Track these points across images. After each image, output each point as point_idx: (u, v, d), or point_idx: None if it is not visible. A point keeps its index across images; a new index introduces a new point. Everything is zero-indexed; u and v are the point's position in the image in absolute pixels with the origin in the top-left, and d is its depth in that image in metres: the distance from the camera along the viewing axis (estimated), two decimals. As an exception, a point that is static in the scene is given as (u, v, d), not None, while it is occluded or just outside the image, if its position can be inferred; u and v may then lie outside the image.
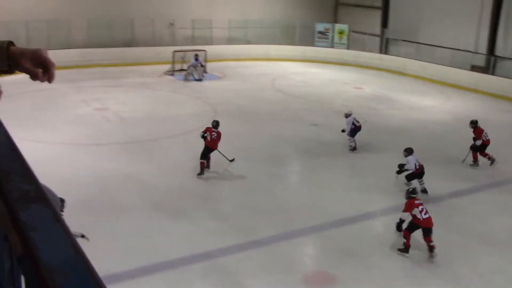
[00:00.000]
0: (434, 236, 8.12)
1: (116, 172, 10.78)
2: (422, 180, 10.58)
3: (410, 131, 15.42)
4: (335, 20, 31.25)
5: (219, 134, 11.29)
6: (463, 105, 19.33)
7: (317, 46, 28.51)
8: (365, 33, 28.27)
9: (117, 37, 24.04)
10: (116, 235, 8.34)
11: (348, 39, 28.38)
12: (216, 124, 11.43)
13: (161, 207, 9.44)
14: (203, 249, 8.04)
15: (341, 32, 28.47)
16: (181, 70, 22.59)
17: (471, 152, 12.22)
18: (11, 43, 1.45)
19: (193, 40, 26.10)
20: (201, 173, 10.87)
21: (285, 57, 27.63)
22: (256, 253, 8.07)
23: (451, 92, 20.98)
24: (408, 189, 8.75)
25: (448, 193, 10.74)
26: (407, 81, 23.54)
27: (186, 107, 16.99)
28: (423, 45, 25.69)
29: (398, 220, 8.59)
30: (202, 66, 21.45)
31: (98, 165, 11.05)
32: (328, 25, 28.99)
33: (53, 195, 1.37)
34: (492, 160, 12.12)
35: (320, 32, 28.86)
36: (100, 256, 7.55)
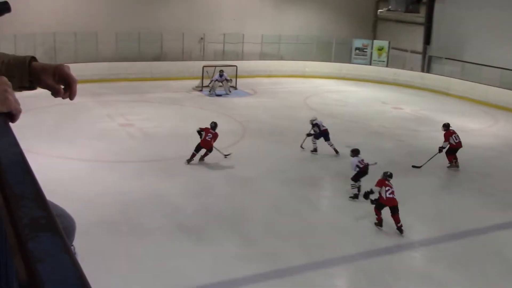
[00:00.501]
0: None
1: (140, 192, 10.89)
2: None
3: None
4: (374, 36, 31.18)
5: (215, 136, 12.84)
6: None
7: (355, 63, 28.44)
8: (406, 50, 28.07)
9: (145, 51, 24.55)
10: (138, 258, 8.38)
11: (388, 56, 28.22)
12: (214, 125, 13.01)
13: (185, 229, 9.47)
14: (227, 276, 7.99)
15: (380, 49, 28.36)
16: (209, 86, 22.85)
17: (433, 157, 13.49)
18: (33, 58, 1.47)
19: (223, 55, 26.41)
20: (189, 160, 12.65)
21: (320, 74, 27.64)
22: (282, 284, 7.97)
23: (499, 115, 20.54)
24: (386, 172, 10.30)
25: (498, 225, 10.43)
26: (451, 102, 23.18)
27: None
28: (469, 64, 25.31)
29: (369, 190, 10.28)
30: (227, 80, 21.60)
31: (121, 184, 11.19)
32: (366, 41, 28.93)
33: (68, 218, 1.38)
34: (456, 166, 13.66)
35: (357, 49, 28.81)
36: (121, 279, 7.60)
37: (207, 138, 12.67)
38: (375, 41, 29.15)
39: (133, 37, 23.88)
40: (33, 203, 0.68)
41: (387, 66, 28.05)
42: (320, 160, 13.81)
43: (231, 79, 22.16)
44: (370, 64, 28.34)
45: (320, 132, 14.13)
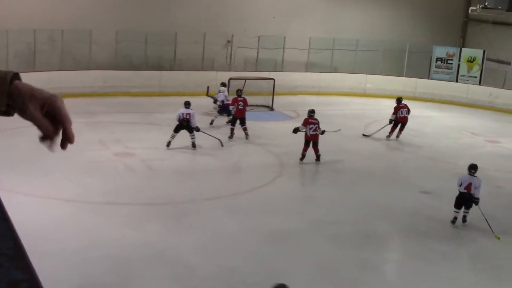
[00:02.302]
0: None
1: (139, 245, 10.92)
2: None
3: None
4: (463, 43, 31.09)
5: (245, 102, 18.54)
6: None
7: (435, 79, 28.33)
8: (507, 63, 27.82)
9: (152, 57, 24.99)
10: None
11: (482, 70, 28.00)
12: (240, 92, 18.61)
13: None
14: None
15: (471, 60, 28.20)
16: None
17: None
18: (16, 75, 1.45)
19: (257, 65, 26.67)
20: (230, 136, 18.27)
21: (387, 93, 27.51)
22: None
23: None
24: (310, 110, 16.84)
25: None
26: None
27: (241, 156, 17.19)
28: None
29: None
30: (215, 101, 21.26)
31: (114, 234, 11.26)
32: (452, 50, 28.83)
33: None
34: (393, 136, 19.61)
35: (440, 59, 28.73)
36: None
37: (239, 107, 18.18)
38: (464, 49, 29.04)
39: (138, 37, 24.38)
40: (12, 262, 0.68)
41: (480, 83, 27.81)
42: (384, 209, 13.66)
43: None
44: (457, 81, 28.16)
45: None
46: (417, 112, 24.99)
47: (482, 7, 28.01)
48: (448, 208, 13.95)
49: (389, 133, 19.80)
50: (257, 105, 23.30)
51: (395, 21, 29.91)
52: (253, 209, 13.13)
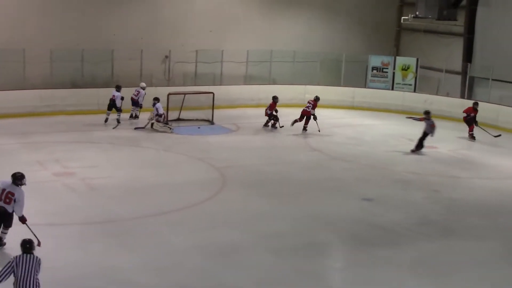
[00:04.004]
0: None
1: (83, 266, 10.76)
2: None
3: (505, 210, 15.25)
4: (396, 52, 31.79)
5: (272, 106, 23.26)
6: None
7: (371, 88, 28.87)
8: (440, 70, 28.57)
9: (89, 74, 24.73)
10: None
11: (416, 78, 28.69)
12: (277, 98, 23.06)
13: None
14: None
15: (405, 68, 28.87)
16: (179, 119, 23.03)
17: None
18: None
19: (195, 79, 26.69)
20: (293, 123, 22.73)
21: (326, 103, 27.87)
22: None
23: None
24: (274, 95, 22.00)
25: None
26: (501, 137, 23.47)
27: (184, 171, 17.12)
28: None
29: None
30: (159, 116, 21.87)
31: (56, 255, 11.07)
32: (387, 59, 29.44)
33: None
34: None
35: (375, 68, 29.30)
36: None
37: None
38: (398, 58, 29.68)
39: (73, 55, 24.09)
40: None
41: (414, 91, 28.49)
42: (327, 218, 13.82)
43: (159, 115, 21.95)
44: (392, 89, 28.77)
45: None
46: (356, 121, 25.51)
47: (414, 17, 28.78)
48: (389, 214, 14.26)
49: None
50: (197, 120, 23.34)
51: (331, 32, 30.41)
52: (197, 224, 13.11)
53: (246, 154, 19.33)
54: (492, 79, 26.68)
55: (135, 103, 23.16)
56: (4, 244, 11.30)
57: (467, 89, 27.94)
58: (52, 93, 23.53)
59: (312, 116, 22.74)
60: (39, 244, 9.66)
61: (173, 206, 14.07)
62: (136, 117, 23.29)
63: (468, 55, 28.69)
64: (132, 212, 13.60)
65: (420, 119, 20.69)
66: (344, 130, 23.54)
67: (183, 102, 23.45)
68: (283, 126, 22.81)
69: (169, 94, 23.00)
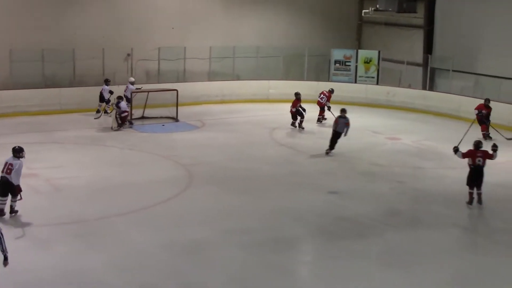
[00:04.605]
0: None
1: (49, 267, 10.63)
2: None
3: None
4: (358, 45, 31.99)
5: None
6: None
7: (335, 81, 28.95)
8: (401, 62, 28.84)
9: (50, 74, 24.39)
10: None
11: (378, 70, 28.92)
12: (299, 94, 22.82)
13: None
14: None
15: (367, 61, 29.07)
16: (143, 117, 22.86)
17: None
18: None
19: (159, 76, 26.54)
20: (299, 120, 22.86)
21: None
22: None
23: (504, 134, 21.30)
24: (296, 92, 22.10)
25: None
26: (463, 127, 23.70)
27: (150, 170, 17.00)
28: (484, 77, 26.17)
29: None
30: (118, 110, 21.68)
31: (21, 258, 10.90)
32: (349, 52, 29.61)
33: None
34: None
35: (338, 62, 29.45)
36: None
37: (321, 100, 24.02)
38: (360, 51, 29.88)
39: (34, 55, 23.72)
40: None
41: (377, 83, 28.72)
42: (295, 213, 13.85)
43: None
44: (355, 82, 28.97)
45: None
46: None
47: (374, 10, 29.01)
48: (356, 207, 14.34)
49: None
50: (161, 117, 23.20)
51: (293, 27, 30.46)
52: (164, 222, 13.02)
53: (212, 150, 19.27)
54: (453, 70, 27.03)
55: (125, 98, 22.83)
56: (16, 211, 12.98)
57: (429, 80, 28.23)
58: (13, 94, 23.18)
59: (326, 108, 23.89)
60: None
61: (140, 205, 13.96)
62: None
63: (428, 47, 29.00)
64: (98, 212, 13.47)
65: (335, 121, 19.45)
66: (309, 124, 23.57)
67: (146, 100, 23.31)
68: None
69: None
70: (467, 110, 25.25)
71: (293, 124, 22.96)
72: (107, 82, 23.71)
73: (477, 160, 14.42)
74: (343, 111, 19.46)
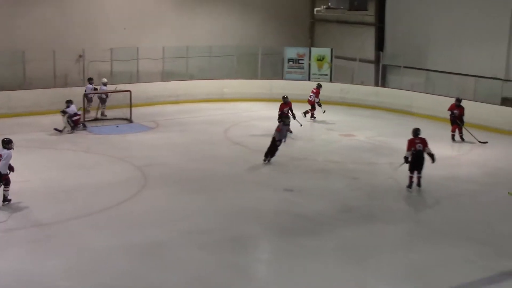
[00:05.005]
0: None
1: (4, 273, 10.48)
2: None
3: (425, 194, 15.78)
4: (311, 43, 32.24)
5: (316, 92, 24.35)
6: (494, 153, 19.91)
7: (288, 79, 29.18)
8: (354, 59, 29.18)
9: (0, 77, 23.97)
10: None
11: (331, 68, 29.21)
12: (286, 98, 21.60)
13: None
14: None
15: (320, 59, 29.34)
16: (96, 119, 22.68)
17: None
18: None
19: (112, 77, 26.31)
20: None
21: (244, 96, 28.12)
22: None
23: (477, 136, 21.68)
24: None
25: (484, 278, 10.90)
26: (415, 122, 24.08)
27: (104, 172, 16.87)
28: (435, 73, 26.66)
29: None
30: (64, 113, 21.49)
31: (-25, 266, 10.76)
32: (302, 50, 29.84)
33: None
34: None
35: (291, 60, 29.66)
36: None
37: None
38: (313, 49, 30.15)
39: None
40: None
41: (331, 81, 29.01)
42: (252, 211, 13.92)
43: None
44: (309, 80, 29.20)
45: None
46: (275, 113, 25.64)
47: (326, 8, 29.23)
48: (312, 204, 14.48)
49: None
50: (115, 119, 23.05)
51: (246, 26, 30.56)
52: (120, 225, 12.94)
53: (167, 151, 19.21)
54: (404, 67, 27.49)
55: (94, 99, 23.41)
56: (9, 200, 13.73)
57: (381, 77, 28.68)
58: (-39, 98, 22.79)
59: (316, 104, 24.45)
60: None
61: (95, 208, 13.85)
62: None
63: (380, 44, 29.45)
64: (53, 216, 13.30)
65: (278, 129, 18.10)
66: (263, 122, 23.70)
67: (99, 102, 23.11)
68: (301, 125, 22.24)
69: (85, 94, 22.62)
70: (418, 106, 25.80)
71: (312, 116, 24.48)
72: (90, 81, 23.86)
73: (417, 146, 15.55)
74: (286, 117, 19.23)
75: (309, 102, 24.60)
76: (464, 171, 18.10)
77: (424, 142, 15.65)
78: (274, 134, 17.85)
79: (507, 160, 19.08)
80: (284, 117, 18.62)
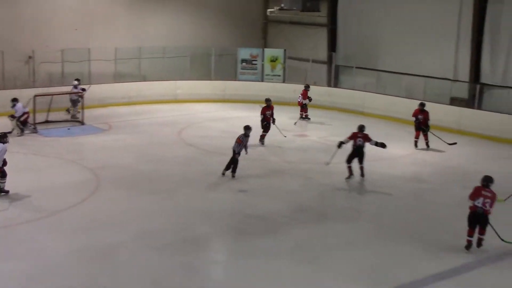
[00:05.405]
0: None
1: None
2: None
3: (375, 192, 16.08)
4: (264, 44, 32.39)
5: (303, 93, 24.62)
6: (444, 152, 20.32)
7: (242, 80, 29.27)
8: (307, 60, 29.43)
9: None
10: None
11: (284, 68, 29.40)
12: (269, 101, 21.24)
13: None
14: None
15: (273, 60, 29.50)
16: (47, 121, 22.39)
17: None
18: None
19: (63, 79, 26.01)
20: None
21: (198, 98, 28.12)
22: None
23: (428, 135, 22.10)
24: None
25: (438, 274, 11.15)
26: (368, 122, 24.36)
27: (56, 175, 16.67)
28: (387, 74, 27.07)
29: None
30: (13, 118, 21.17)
31: None
32: (255, 51, 29.95)
33: None
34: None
35: (244, 61, 29.74)
36: None
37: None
38: (266, 49, 30.29)
39: None
40: None
41: (284, 81, 29.20)
42: (206, 212, 13.96)
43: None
44: (262, 81, 29.35)
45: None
46: (229, 114, 25.80)
47: (279, 9, 29.46)
48: (266, 204, 14.58)
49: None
50: (66, 121, 22.81)
51: (199, 26, 30.54)
52: (73, 227, 12.81)
53: (120, 153, 19.09)
54: (356, 67, 27.83)
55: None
56: (7, 191, 14.45)
57: (333, 77, 29.02)
58: None
59: (305, 105, 24.82)
60: None
61: (47, 211, 13.69)
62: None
63: (332, 45, 29.79)
64: (4, 220, 13.11)
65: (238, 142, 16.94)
66: (217, 123, 23.74)
67: (50, 104, 22.81)
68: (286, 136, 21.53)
69: (35, 96, 22.25)
70: (370, 106, 26.20)
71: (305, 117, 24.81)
72: (77, 81, 23.96)
73: (358, 140, 16.63)
74: (247, 128, 17.16)
75: (299, 103, 24.90)
76: (415, 170, 18.41)
77: (366, 137, 16.61)
78: (234, 146, 16.78)
79: (457, 159, 19.49)
80: (245, 128, 17.09)
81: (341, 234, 12.98)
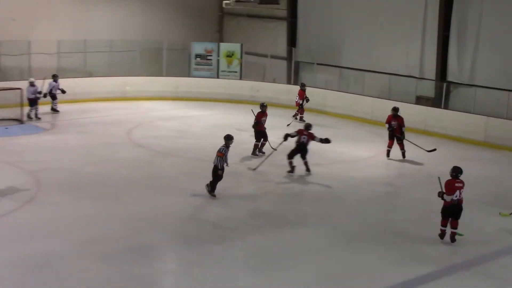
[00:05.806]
0: None
1: None
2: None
3: (336, 196, 16.11)
4: (220, 38, 32.36)
5: (300, 92, 24.94)
6: (410, 154, 20.49)
7: (196, 77, 29.20)
8: (265, 55, 29.47)
9: None
10: None
11: (241, 64, 29.39)
12: (265, 106, 20.58)
13: None
14: None
15: (229, 55, 29.47)
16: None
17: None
18: None
19: (0, 74, 25.61)
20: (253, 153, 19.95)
21: (149, 95, 27.93)
22: None
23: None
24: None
25: (402, 283, 11.22)
26: (329, 121, 24.71)
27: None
28: (349, 70, 27.31)
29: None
30: None
31: None
32: (210, 45, 29.89)
33: None
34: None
35: (199, 56, 29.66)
36: None
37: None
38: (222, 44, 30.26)
39: None
40: None
41: (241, 78, 29.20)
42: (155, 218, 13.84)
43: None
44: (218, 77, 29.33)
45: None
46: (182, 113, 25.72)
47: (236, 1, 29.44)
48: (220, 209, 14.52)
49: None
50: (3, 119, 22.41)
51: (150, 19, 30.41)
52: (10, 235, 12.57)
53: (62, 154, 18.82)
54: (317, 64, 27.98)
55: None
56: None
57: (293, 74, 29.10)
58: None
59: (302, 105, 25.02)
60: None
61: (-19, 218, 13.44)
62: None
63: (292, 40, 29.89)
64: None
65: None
66: (168, 123, 23.61)
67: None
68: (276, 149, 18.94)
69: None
70: (332, 104, 26.35)
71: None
72: (55, 77, 24.42)
73: (302, 137, 17.61)
74: (228, 139, 15.54)
75: (296, 104, 25.06)
76: (378, 172, 18.57)
77: (310, 136, 17.61)
78: (214, 160, 15.27)
79: (423, 161, 19.68)
80: (226, 138, 15.40)
81: (300, 241, 12.96)
